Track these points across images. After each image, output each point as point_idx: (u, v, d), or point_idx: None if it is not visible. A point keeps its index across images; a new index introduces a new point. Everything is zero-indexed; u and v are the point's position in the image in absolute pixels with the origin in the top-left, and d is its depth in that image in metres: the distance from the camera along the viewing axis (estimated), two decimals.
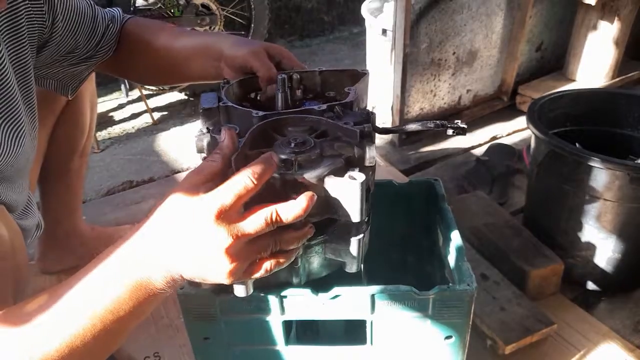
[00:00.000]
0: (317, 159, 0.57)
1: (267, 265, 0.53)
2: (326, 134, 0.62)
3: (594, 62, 1.94)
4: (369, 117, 0.65)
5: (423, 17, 1.67)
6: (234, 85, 0.75)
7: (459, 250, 0.73)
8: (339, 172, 0.55)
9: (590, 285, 1.19)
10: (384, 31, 1.87)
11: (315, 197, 0.52)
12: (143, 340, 1.09)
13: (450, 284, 0.69)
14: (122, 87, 2.35)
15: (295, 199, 0.52)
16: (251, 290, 0.59)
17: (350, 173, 0.55)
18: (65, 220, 1.20)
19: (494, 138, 1.86)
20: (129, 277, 0.50)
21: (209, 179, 0.52)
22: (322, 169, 0.55)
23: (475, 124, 1.94)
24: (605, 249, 1.13)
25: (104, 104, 2.33)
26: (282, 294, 0.66)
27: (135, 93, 2.37)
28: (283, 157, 0.55)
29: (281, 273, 0.64)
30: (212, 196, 0.49)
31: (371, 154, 0.58)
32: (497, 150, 1.71)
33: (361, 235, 0.60)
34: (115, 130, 2.13)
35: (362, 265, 0.63)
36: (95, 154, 1.88)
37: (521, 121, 1.93)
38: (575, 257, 1.17)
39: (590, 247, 1.15)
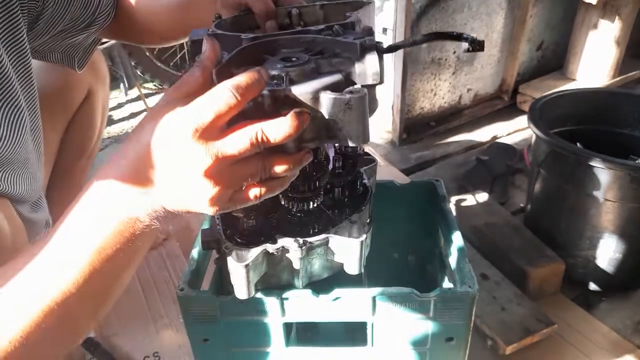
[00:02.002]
0: (311, 73, 0.50)
1: (256, 191, 0.47)
2: (323, 53, 0.55)
3: (595, 62, 1.94)
4: (371, 32, 0.57)
5: (423, 16, 1.66)
6: (227, 22, 0.69)
7: (460, 251, 0.73)
8: (337, 88, 0.48)
9: (591, 285, 1.19)
10: (385, 30, 1.86)
11: (309, 115, 0.45)
12: (142, 340, 1.09)
13: (452, 286, 0.69)
14: (122, 86, 2.35)
15: None
16: (252, 292, 0.59)
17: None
18: None
19: (495, 137, 1.86)
20: (109, 219, 0.46)
21: (187, 94, 0.45)
22: (317, 82, 0.48)
23: (475, 123, 1.94)
24: (606, 249, 1.13)
25: None
26: (283, 295, 0.65)
27: (134, 92, 2.36)
28: (273, 73, 0.48)
29: (282, 274, 0.64)
30: (187, 111, 0.43)
31: (374, 69, 0.51)
32: (498, 149, 1.71)
33: (363, 237, 0.60)
34: (114, 129, 2.12)
35: (363, 267, 0.63)
36: None
37: (522, 120, 1.93)
38: (575, 257, 1.17)
39: (591, 247, 1.14)
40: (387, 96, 1.82)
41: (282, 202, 0.62)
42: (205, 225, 0.76)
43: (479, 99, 2.01)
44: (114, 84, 2.41)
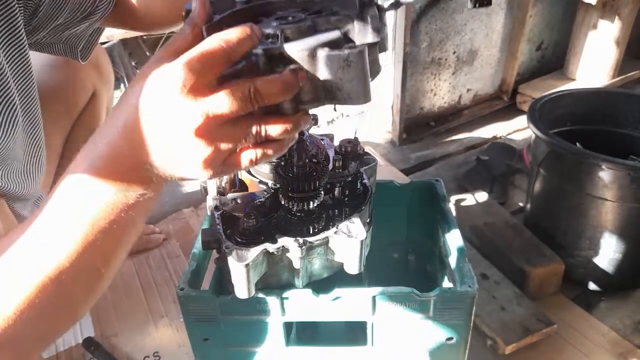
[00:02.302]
0: (308, 31, 0.47)
1: (251, 154, 0.45)
2: (321, 13, 0.52)
3: (595, 62, 1.94)
4: None
5: (423, 16, 1.66)
6: None
7: (460, 251, 0.73)
8: (335, 45, 0.45)
9: (591, 285, 1.19)
10: None
11: (306, 73, 0.43)
12: (143, 339, 1.09)
13: (452, 286, 0.69)
14: (122, 86, 2.35)
15: None
16: (253, 292, 0.59)
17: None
18: None
19: (495, 137, 1.86)
20: (100, 190, 0.44)
21: (176, 52, 0.43)
22: (314, 39, 0.45)
23: (475, 123, 1.94)
24: (605, 249, 1.13)
25: None
26: (283, 295, 0.65)
27: None
28: (268, 31, 0.45)
29: (282, 274, 0.64)
30: (174, 66, 0.41)
31: (374, 25, 0.48)
32: (498, 149, 1.71)
33: (363, 237, 0.60)
34: None
35: (363, 267, 0.63)
36: None
37: (521, 120, 1.93)
38: (575, 257, 1.17)
39: (591, 247, 1.15)
40: (387, 96, 1.82)
41: (282, 202, 0.62)
42: (205, 225, 0.76)
43: (478, 99, 2.01)
44: (115, 84, 2.41)
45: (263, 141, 0.45)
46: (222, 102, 0.41)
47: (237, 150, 0.45)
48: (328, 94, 0.46)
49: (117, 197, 0.44)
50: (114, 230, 0.45)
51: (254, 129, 0.44)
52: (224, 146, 0.43)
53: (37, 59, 1.02)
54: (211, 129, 0.42)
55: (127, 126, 0.43)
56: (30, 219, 0.46)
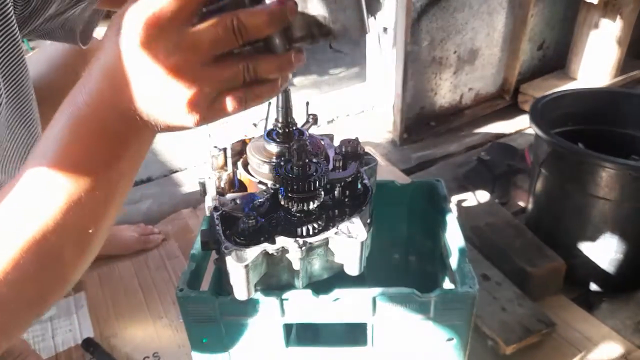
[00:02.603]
0: None
1: (240, 95, 0.42)
2: None
3: (596, 61, 1.94)
4: None
5: (424, 15, 1.66)
6: None
7: (461, 251, 0.73)
8: None
9: (592, 286, 1.19)
10: (385, 29, 1.86)
11: (295, 4, 0.40)
12: (142, 340, 1.09)
13: (452, 287, 0.68)
14: None
15: None
16: (252, 293, 0.58)
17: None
18: None
19: (496, 137, 1.86)
20: (80, 138, 0.41)
21: None
22: None
23: (476, 123, 1.94)
24: (607, 250, 1.12)
25: None
26: (283, 296, 0.65)
27: None
28: None
29: (282, 275, 0.64)
30: (152, 0, 0.38)
31: None
32: (499, 149, 1.70)
33: (363, 237, 0.60)
34: None
35: (363, 268, 0.63)
36: None
37: (523, 120, 1.92)
38: (576, 257, 1.17)
39: (592, 248, 1.14)
40: (388, 96, 1.82)
41: (282, 202, 0.62)
42: (205, 226, 0.76)
43: (480, 99, 2.00)
44: None
45: (253, 82, 0.42)
46: (203, 36, 0.38)
47: (225, 92, 0.41)
48: (322, 29, 0.43)
49: (102, 149, 0.42)
50: (100, 186, 0.43)
51: (242, 68, 0.41)
52: (209, 86, 0.40)
53: (45, 60, 1.01)
54: (194, 67, 0.39)
55: (107, 69, 0.40)
56: (12, 182, 0.44)
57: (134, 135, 0.43)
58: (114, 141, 0.42)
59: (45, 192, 0.42)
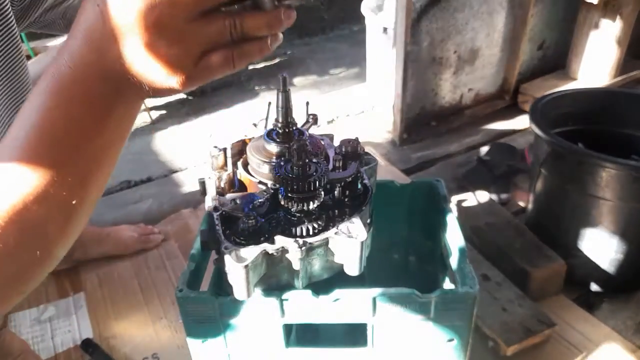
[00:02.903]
0: None
1: (227, 53, 0.40)
2: None
3: (596, 61, 1.94)
4: None
5: (424, 15, 1.66)
6: None
7: (461, 251, 0.73)
8: None
9: (592, 286, 1.18)
10: (385, 29, 1.86)
11: None
12: (141, 341, 1.09)
13: (453, 287, 0.68)
14: None
15: None
16: (252, 293, 0.58)
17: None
18: None
19: (496, 137, 1.85)
20: (66, 110, 0.39)
21: None
22: None
23: (476, 123, 1.94)
24: (607, 250, 1.12)
25: None
26: (283, 296, 0.65)
27: None
28: None
29: (282, 275, 0.63)
30: None
31: None
32: (499, 149, 1.70)
33: (363, 237, 0.59)
34: None
35: (363, 268, 0.62)
36: None
37: (523, 120, 1.92)
38: (577, 258, 1.16)
39: (593, 248, 1.14)
40: (388, 96, 1.82)
41: (282, 202, 0.62)
42: (204, 226, 0.76)
43: (480, 99, 2.00)
44: None
45: (241, 40, 0.40)
46: None
47: (212, 50, 0.40)
48: None
49: (86, 114, 0.40)
50: (85, 154, 0.41)
51: (227, 22, 0.39)
52: (194, 42, 0.38)
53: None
54: (177, 22, 0.37)
55: (87, 29, 0.39)
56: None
57: (118, 99, 0.40)
58: (98, 105, 0.40)
59: (26, 160, 0.40)
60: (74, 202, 0.42)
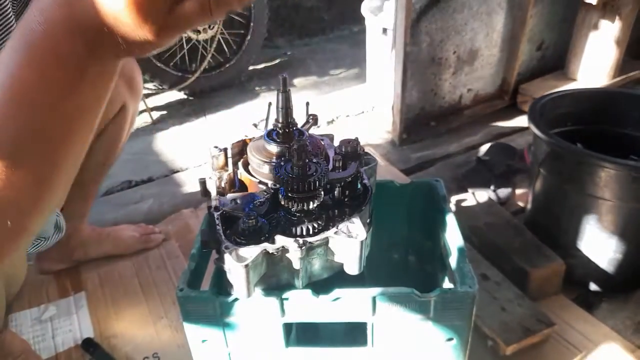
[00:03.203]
0: None
1: (203, 0, 0.36)
2: None
3: (595, 62, 1.94)
4: None
5: (424, 16, 1.66)
6: None
7: (460, 251, 0.73)
8: None
9: (592, 286, 1.19)
10: (385, 30, 1.86)
11: None
12: (142, 340, 1.09)
13: (452, 286, 0.68)
14: None
15: None
16: (252, 293, 0.59)
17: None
18: (71, 222, 1.20)
19: (495, 137, 1.86)
20: (35, 71, 0.37)
21: None
22: None
23: (476, 123, 1.94)
24: (606, 249, 1.13)
25: None
26: (283, 295, 0.65)
27: None
28: None
29: (282, 274, 0.64)
30: None
31: None
32: (498, 149, 1.70)
33: (363, 237, 0.60)
34: None
35: (363, 267, 0.63)
36: None
37: (522, 120, 1.93)
38: (576, 257, 1.17)
39: (592, 247, 1.14)
40: (387, 96, 1.82)
41: (282, 202, 0.62)
42: (205, 226, 0.76)
43: (479, 99, 2.00)
44: None
45: None
46: None
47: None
48: None
49: (57, 73, 0.38)
50: (59, 114, 0.38)
51: None
52: None
53: None
54: None
55: None
56: None
57: (91, 55, 0.38)
58: (71, 62, 0.38)
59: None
60: (46, 169, 0.40)
